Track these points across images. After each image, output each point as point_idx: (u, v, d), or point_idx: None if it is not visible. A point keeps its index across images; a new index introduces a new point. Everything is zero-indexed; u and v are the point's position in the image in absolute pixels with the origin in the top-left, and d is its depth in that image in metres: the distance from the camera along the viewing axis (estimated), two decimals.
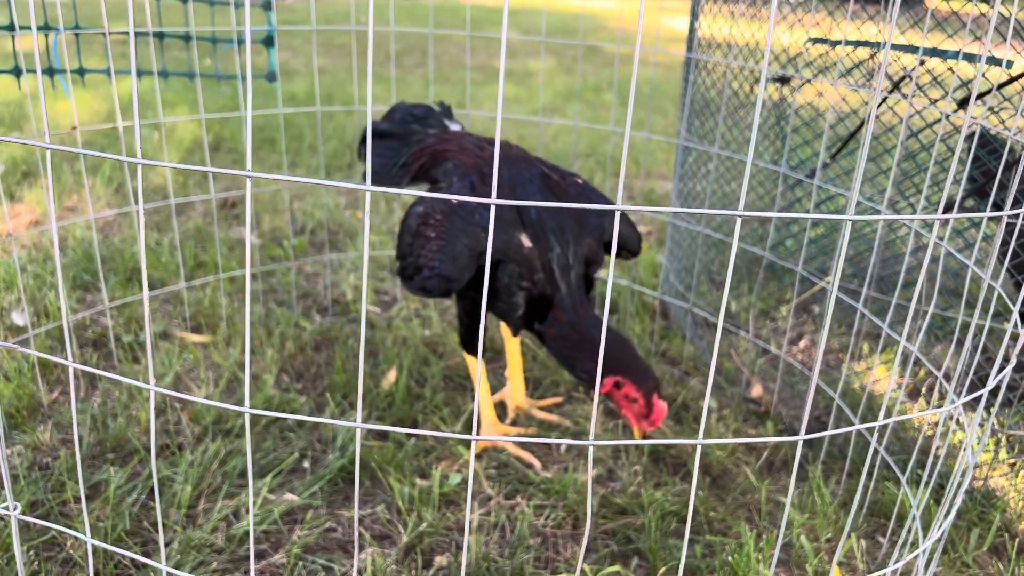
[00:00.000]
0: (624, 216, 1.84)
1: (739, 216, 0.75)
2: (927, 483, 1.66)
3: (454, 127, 2.12)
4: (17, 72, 1.84)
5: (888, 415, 1.90)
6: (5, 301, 2.36)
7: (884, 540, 1.71)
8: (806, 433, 1.99)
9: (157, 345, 2.23)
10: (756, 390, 2.15)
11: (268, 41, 2.13)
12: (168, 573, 0.90)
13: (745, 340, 2.31)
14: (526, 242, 1.64)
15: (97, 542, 0.96)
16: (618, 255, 1.85)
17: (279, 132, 4.26)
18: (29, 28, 1.78)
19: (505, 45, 0.67)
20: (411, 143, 2.03)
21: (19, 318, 2.24)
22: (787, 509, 0.98)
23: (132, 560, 1.52)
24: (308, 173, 3.75)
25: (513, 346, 2.04)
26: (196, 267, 2.69)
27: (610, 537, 1.68)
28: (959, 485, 1.33)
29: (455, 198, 0.78)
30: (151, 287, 2.54)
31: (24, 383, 1.96)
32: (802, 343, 2.39)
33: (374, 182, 2.14)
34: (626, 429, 2.03)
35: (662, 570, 1.59)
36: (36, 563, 1.48)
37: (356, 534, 0.87)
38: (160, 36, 2.04)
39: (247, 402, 0.82)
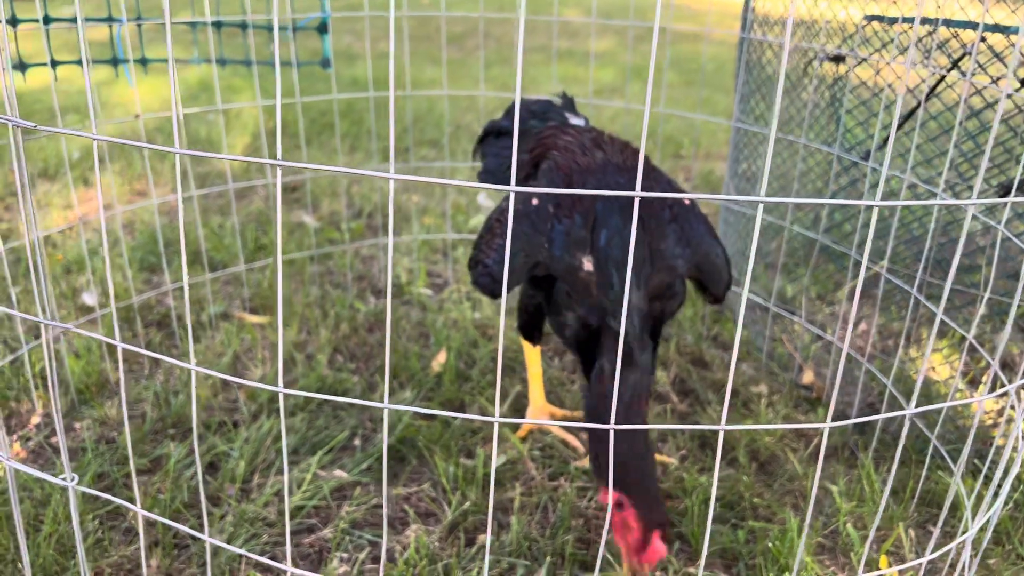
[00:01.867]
0: (718, 251, 1.60)
1: (760, 202, 0.74)
2: (983, 473, 1.62)
3: (575, 120, 1.99)
4: (80, 63, 1.91)
5: (941, 402, 1.85)
6: (77, 282, 2.46)
7: (936, 530, 1.68)
8: (857, 417, 1.95)
9: (217, 325, 2.30)
10: (808, 376, 2.12)
11: (323, 28, 2.17)
12: (214, 545, 0.94)
13: (799, 325, 2.27)
14: (587, 265, 1.49)
15: (148, 513, 1.02)
16: (703, 295, 1.66)
17: (340, 118, 4.33)
18: (93, 20, 1.85)
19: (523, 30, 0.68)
20: (528, 139, 1.91)
21: (89, 298, 2.35)
22: (813, 494, 0.98)
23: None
24: (366, 157, 3.81)
25: None
26: (256, 250, 2.77)
27: None
28: (1007, 471, 1.30)
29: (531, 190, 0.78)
30: (213, 269, 2.62)
31: (93, 360, 2.05)
32: (859, 328, 2.34)
33: (489, 181, 2.05)
34: (674, 413, 2.03)
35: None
36: (100, 531, 1.56)
37: (385, 513, 0.90)
38: (218, 25, 2.10)
39: (280, 382, 0.85)
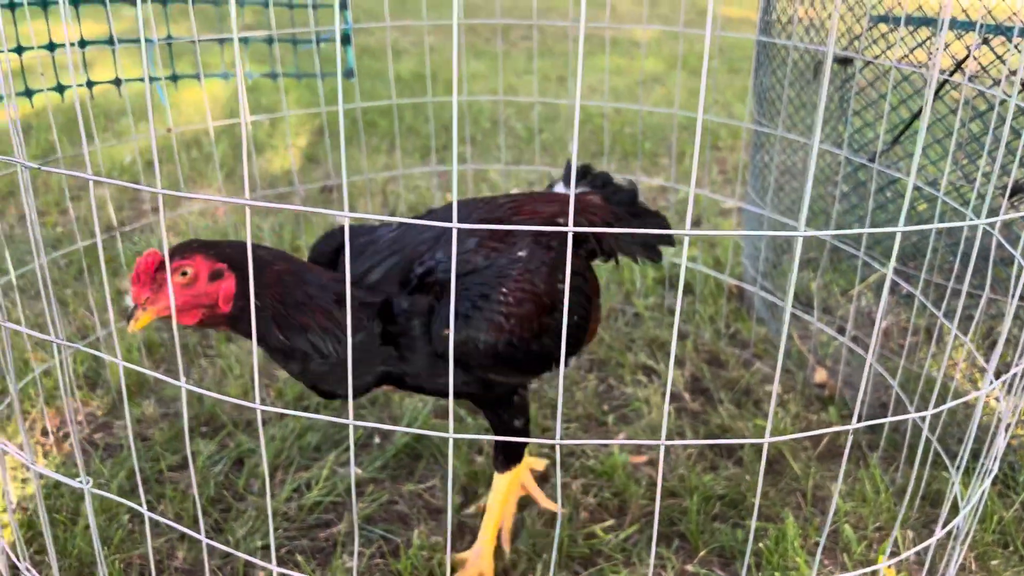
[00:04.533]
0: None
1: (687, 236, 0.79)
2: (977, 470, 1.63)
3: (558, 188, 1.81)
4: (117, 83, 2.03)
5: (944, 401, 1.86)
6: (123, 285, 2.61)
7: (937, 528, 1.69)
8: (865, 420, 1.96)
9: None
10: (820, 375, 2.13)
11: (345, 39, 2.25)
12: (234, 539, 1.03)
13: (812, 323, 2.29)
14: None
15: (153, 515, 1.12)
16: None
17: (380, 116, 4.43)
18: (126, 41, 1.96)
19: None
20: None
21: (131, 302, 2.48)
22: (815, 492, 1.02)
23: (214, 523, 1.70)
24: (403, 156, 3.90)
25: None
26: (292, 251, 2.88)
27: (654, 517, 1.73)
28: (989, 451, 1.32)
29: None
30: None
31: (133, 361, 2.18)
32: (882, 326, 2.34)
33: None
34: (685, 412, 2.07)
35: (702, 552, 1.64)
36: (132, 524, 1.68)
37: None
38: (244, 41, 2.20)
39: (257, 400, 0.93)
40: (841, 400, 2.07)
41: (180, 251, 1.22)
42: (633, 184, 1.78)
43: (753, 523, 1.03)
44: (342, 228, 1.53)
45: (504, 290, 1.33)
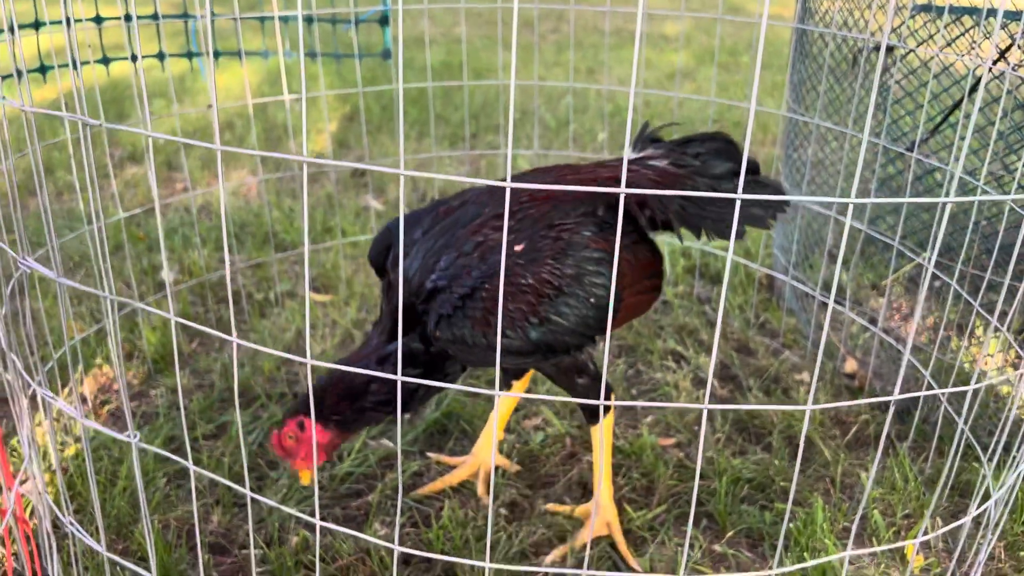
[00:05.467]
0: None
1: (738, 199, 0.80)
2: (1008, 461, 1.62)
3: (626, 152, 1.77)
4: (161, 56, 2.06)
5: (976, 392, 1.85)
6: (158, 260, 2.65)
7: (967, 517, 1.69)
8: (895, 409, 1.96)
9: (283, 303, 2.45)
10: (850, 365, 2.13)
11: (383, 20, 2.27)
12: (268, 505, 1.05)
13: (843, 314, 2.28)
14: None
15: (202, 470, 1.14)
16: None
17: (410, 104, 4.45)
18: (171, 16, 1.99)
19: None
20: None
21: (168, 275, 2.52)
22: (833, 480, 1.03)
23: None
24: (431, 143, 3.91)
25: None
26: (324, 232, 2.91)
27: (681, 498, 1.74)
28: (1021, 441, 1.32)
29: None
30: (284, 250, 2.77)
31: (168, 333, 2.22)
32: (913, 318, 2.33)
33: None
34: (714, 397, 2.08)
35: (730, 533, 1.65)
36: (168, 489, 1.72)
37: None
38: (284, 20, 2.22)
39: (308, 353, 0.95)
40: (871, 391, 2.07)
41: (279, 425, 1.50)
42: (733, 163, 1.60)
43: (790, 502, 1.04)
44: (387, 229, 1.60)
45: (488, 287, 1.37)
